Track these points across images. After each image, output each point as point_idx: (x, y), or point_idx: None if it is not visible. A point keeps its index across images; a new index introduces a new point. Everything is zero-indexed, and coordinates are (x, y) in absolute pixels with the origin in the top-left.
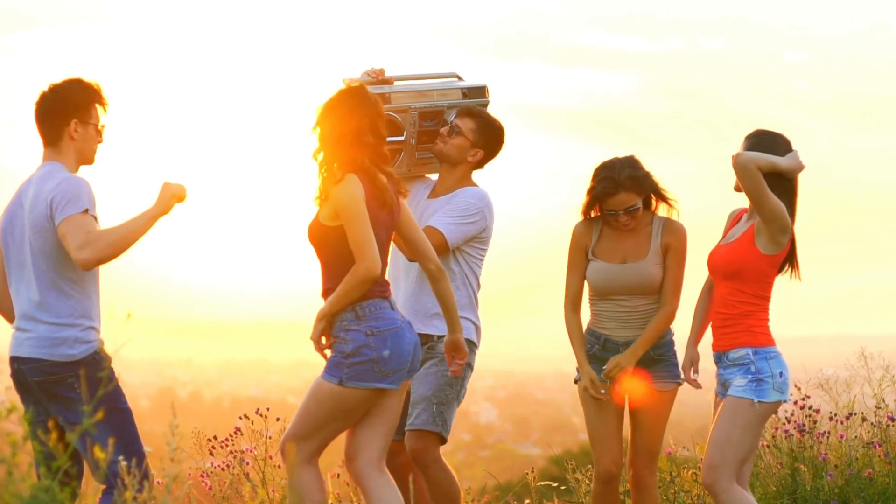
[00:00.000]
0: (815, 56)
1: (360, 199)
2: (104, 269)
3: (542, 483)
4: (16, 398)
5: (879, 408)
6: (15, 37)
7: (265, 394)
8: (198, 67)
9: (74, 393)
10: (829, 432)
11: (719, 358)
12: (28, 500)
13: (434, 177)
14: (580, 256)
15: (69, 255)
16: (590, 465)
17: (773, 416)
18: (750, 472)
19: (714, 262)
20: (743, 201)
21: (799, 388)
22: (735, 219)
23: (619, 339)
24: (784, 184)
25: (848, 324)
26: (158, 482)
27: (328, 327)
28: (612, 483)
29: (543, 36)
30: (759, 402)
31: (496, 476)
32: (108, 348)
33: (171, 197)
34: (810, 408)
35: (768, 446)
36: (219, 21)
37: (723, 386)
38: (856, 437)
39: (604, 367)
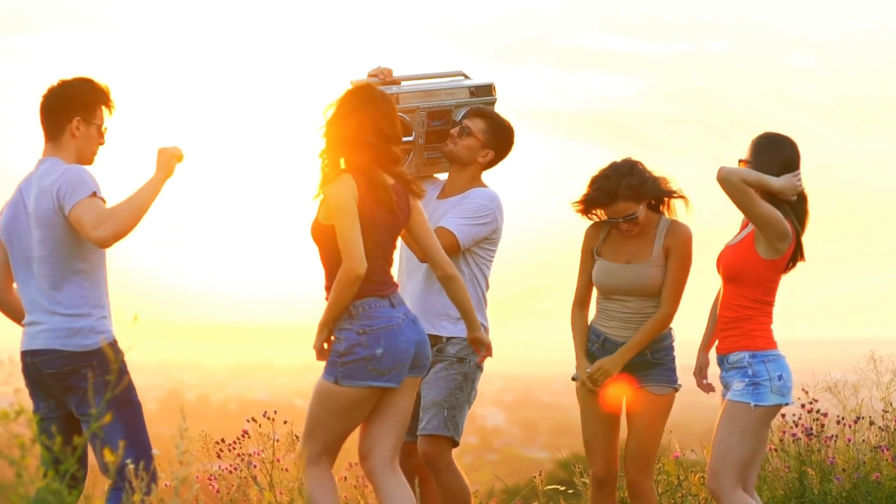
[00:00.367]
0: (820, 59)
1: (348, 199)
2: (111, 272)
3: (550, 486)
4: (24, 400)
5: (887, 411)
6: (16, 39)
7: (272, 397)
8: (200, 68)
9: (90, 384)
10: (836, 436)
11: (721, 361)
12: (35, 502)
13: (443, 177)
14: (588, 257)
15: (79, 246)
16: None
17: (781, 419)
18: (756, 475)
19: (719, 263)
20: None
21: (807, 392)
22: (746, 221)
23: (618, 338)
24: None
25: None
26: (167, 485)
27: (330, 335)
28: (605, 488)
29: (548, 39)
30: (755, 405)
31: (503, 479)
32: (114, 336)
33: (170, 158)
34: (818, 411)
35: (776, 450)
36: (219, 21)
37: (725, 389)
38: (864, 440)
39: (588, 371)
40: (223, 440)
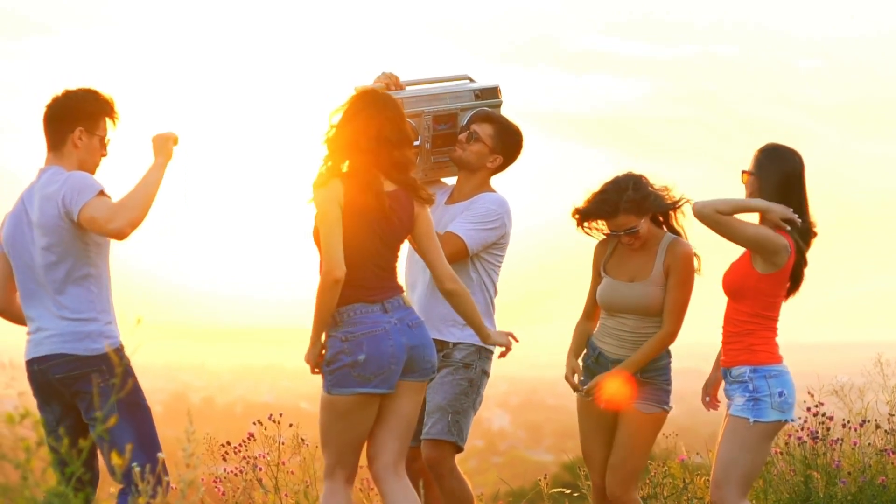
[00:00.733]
0: (828, 62)
1: (330, 204)
2: (116, 274)
3: (555, 489)
4: (28, 403)
5: (893, 415)
6: (17, 43)
7: (278, 399)
8: (201, 69)
9: (99, 389)
10: (842, 439)
11: (725, 374)
12: None
13: (451, 181)
14: (596, 272)
15: (85, 252)
16: None
17: (787, 423)
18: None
19: (722, 280)
20: (755, 215)
21: (812, 395)
22: None
23: (611, 356)
24: (794, 194)
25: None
26: (173, 487)
27: (321, 347)
28: (605, 499)
29: (554, 42)
30: (754, 421)
31: (509, 482)
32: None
33: (166, 141)
34: (823, 415)
35: (781, 453)
36: (219, 21)
37: (729, 402)
38: (869, 444)
39: (586, 386)
40: (229, 443)
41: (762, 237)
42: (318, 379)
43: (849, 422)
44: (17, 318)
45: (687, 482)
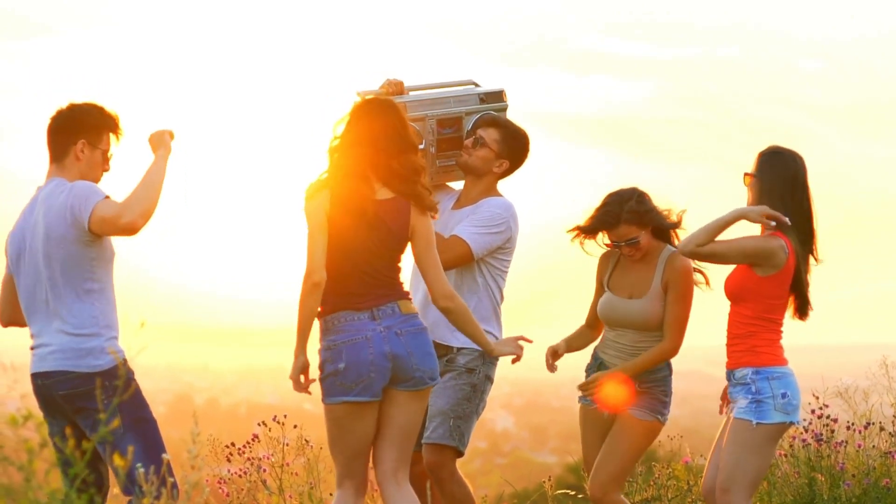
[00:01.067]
0: (830, 64)
1: (314, 211)
2: (119, 276)
3: (560, 491)
4: (31, 405)
5: None
6: (17, 43)
7: (281, 401)
8: (202, 69)
9: (103, 405)
10: (846, 441)
11: (728, 377)
12: None
13: (458, 186)
14: (599, 284)
15: (89, 266)
16: None
17: (791, 425)
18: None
19: (724, 284)
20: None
21: (817, 398)
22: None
23: (612, 365)
24: (796, 197)
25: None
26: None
27: (303, 361)
28: None
29: (556, 43)
30: (757, 423)
31: (513, 484)
32: (125, 356)
33: (162, 136)
34: (828, 417)
35: (785, 455)
36: (218, 21)
37: (732, 404)
38: (874, 446)
39: (581, 384)
40: (233, 444)
41: (753, 248)
42: None
43: (853, 424)
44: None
45: (691, 484)
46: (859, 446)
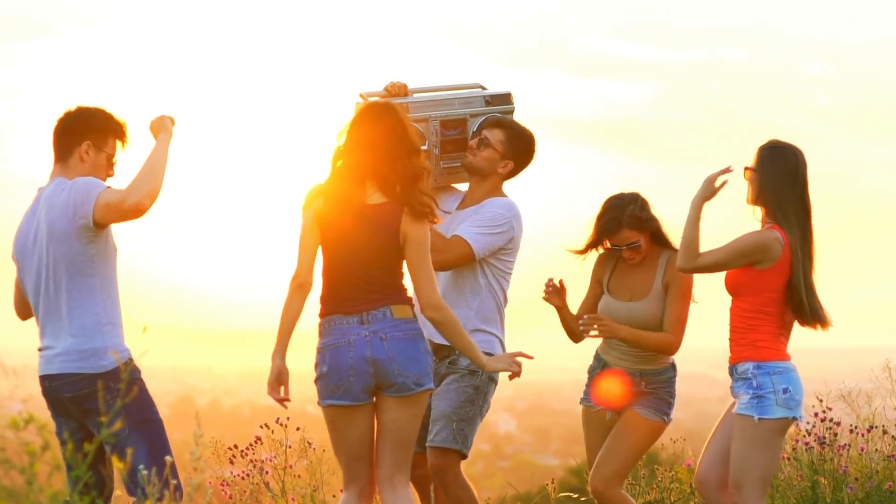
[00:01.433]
0: (837, 67)
1: (306, 214)
2: (122, 277)
3: (562, 494)
4: (34, 408)
5: None
6: (18, 44)
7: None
8: (204, 69)
9: (107, 406)
10: (849, 445)
11: (731, 372)
12: None
13: (464, 188)
14: (596, 284)
15: (91, 262)
16: None
17: (794, 428)
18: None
19: (724, 279)
20: (757, 213)
21: (821, 400)
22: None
23: (617, 365)
24: (796, 191)
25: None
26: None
27: (280, 366)
28: None
29: (561, 45)
30: (759, 418)
31: (515, 486)
32: (130, 354)
33: (162, 121)
34: (831, 420)
35: (788, 458)
36: (218, 22)
37: (735, 399)
38: (877, 449)
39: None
40: (236, 446)
41: (750, 245)
42: None
43: (856, 427)
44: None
45: (694, 487)
46: (862, 450)
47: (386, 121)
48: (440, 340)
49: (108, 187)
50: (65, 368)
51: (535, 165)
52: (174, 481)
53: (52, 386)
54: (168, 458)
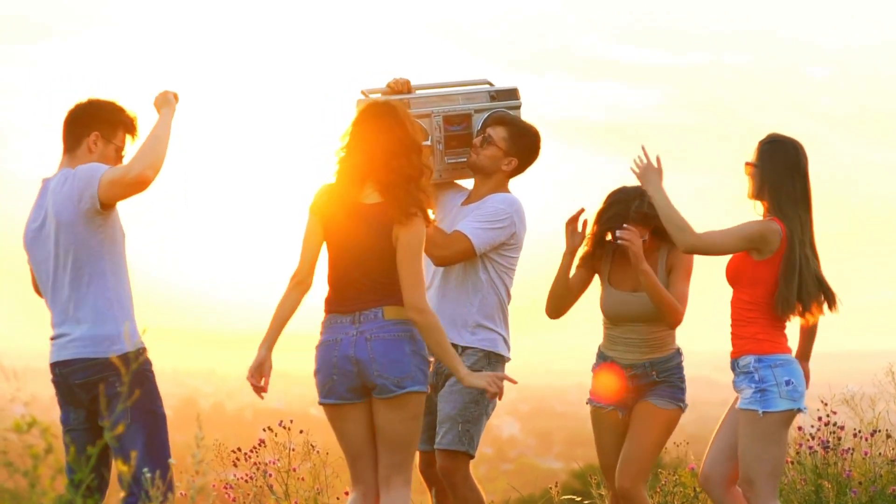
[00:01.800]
0: (839, 70)
1: (311, 211)
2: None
3: (566, 497)
4: (36, 411)
5: None
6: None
7: (287, 406)
8: (204, 70)
9: (116, 392)
10: (853, 449)
11: (732, 366)
12: None
13: (470, 183)
14: (582, 269)
15: (100, 248)
16: None
17: (798, 432)
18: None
19: (725, 269)
20: (758, 207)
21: (826, 404)
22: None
23: (625, 361)
24: (797, 184)
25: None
26: (182, 494)
27: (263, 357)
28: None
29: (565, 49)
30: (764, 412)
31: (519, 490)
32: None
33: (165, 95)
34: (835, 424)
35: (792, 462)
36: (218, 22)
37: (738, 394)
38: (880, 454)
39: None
40: (239, 449)
41: (754, 231)
42: None
43: (860, 431)
44: None
45: (697, 491)
46: (866, 454)
47: (384, 120)
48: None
49: (110, 168)
50: (79, 354)
51: (540, 169)
52: (177, 485)
53: (64, 373)
54: (171, 461)
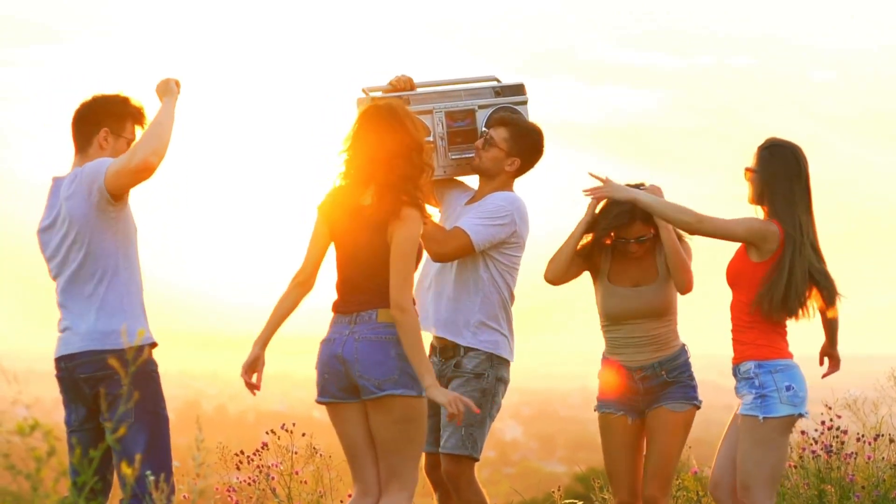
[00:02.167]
0: (843, 74)
1: (318, 213)
2: None
3: (568, 501)
4: (38, 414)
5: None
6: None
7: (290, 409)
8: (204, 71)
9: (119, 389)
10: (856, 453)
11: (734, 373)
12: None
13: (475, 181)
14: (586, 259)
15: (112, 242)
16: None
17: (801, 436)
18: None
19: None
20: (759, 213)
21: (830, 408)
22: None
23: (634, 364)
24: (797, 188)
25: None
26: (185, 497)
27: (256, 356)
28: None
29: (570, 52)
30: (764, 417)
31: (521, 493)
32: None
33: (167, 83)
34: (838, 428)
35: (795, 467)
36: (218, 22)
37: (740, 399)
38: (883, 458)
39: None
40: (242, 452)
41: (758, 227)
42: None
43: (863, 436)
44: None
45: (700, 495)
46: (869, 458)
47: (383, 122)
48: (450, 339)
49: (116, 159)
50: (85, 346)
51: (540, 170)
52: (179, 488)
53: (69, 367)
54: (175, 464)
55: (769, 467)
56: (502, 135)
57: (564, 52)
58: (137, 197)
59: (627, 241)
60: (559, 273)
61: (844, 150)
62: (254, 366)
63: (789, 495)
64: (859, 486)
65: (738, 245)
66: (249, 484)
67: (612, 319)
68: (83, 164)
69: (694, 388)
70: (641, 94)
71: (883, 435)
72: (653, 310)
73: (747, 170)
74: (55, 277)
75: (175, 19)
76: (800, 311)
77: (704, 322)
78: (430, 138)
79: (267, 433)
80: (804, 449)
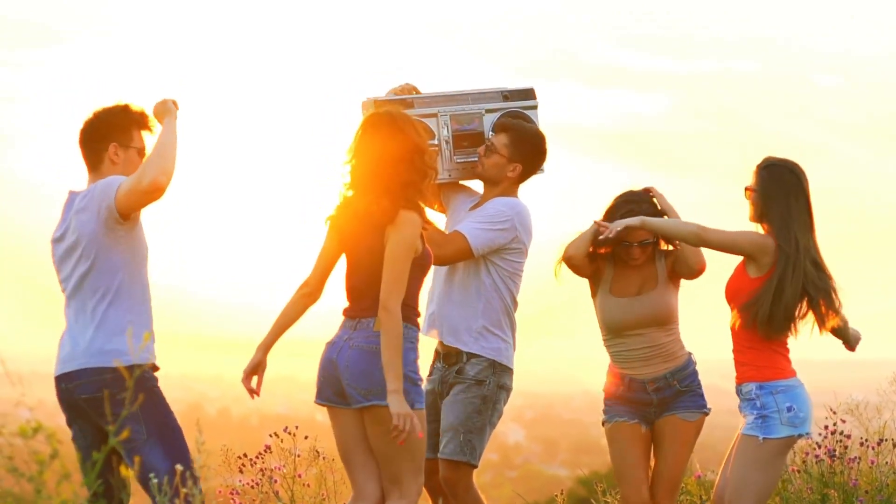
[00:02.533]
0: (848, 79)
1: (328, 222)
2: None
3: None
4: (41, 417)
5: None
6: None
7: (293, 411)
8: (205, 71)
9: (122, 406)
10: (859, 458)
11: (737, 392)
12: None
13: (480, 185)
14: (592, 282)
15: (119, 260)
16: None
17: (805, 440)
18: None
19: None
20: (760, 230)
21: (834, 412)
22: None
23: (644, 377)
24: (796, 207)
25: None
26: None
27: (259, 359)
28: None
29: (574, 56)
30: (764, 438)
31: (524, 497)
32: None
33: (165, 104)
34: (841, 433)
35: (798, 471)
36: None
37: (743, 419)
38: (887, 462)
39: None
40: (245, 455)
41: (752, 239)
42: None
43: (866, 440)
44: None
45: (703, 499)
46: (872, 462)
47: (384, 130)
48: (453, 345)
49: (127, 178)
50: (83, 364)
51: (548, 175)
52: (184, 489)
53: (69, 388)
54: (179, 465)
55: (759, 487)
56: (503, 141)
57: (568, 56)
58: None
59: (630, 245)
60: (581, 250)
61: (849, 156)
62: (255, 370)
63: (792, 500)
64: (863, 490)
65: (738, 261)
66: (252, 487)
67: (613, 331)
68: (97, 182)
69: (702, 395)
70: (645, 99)
71: (886, 439)
72: (655, 317)
73: (747, 189)
74: (63, 290)
75: (175, 19)
76: (791, 328)
77: (705, 325)
78: (435, 141)
79: (270, 436)
80: (807, 453)
